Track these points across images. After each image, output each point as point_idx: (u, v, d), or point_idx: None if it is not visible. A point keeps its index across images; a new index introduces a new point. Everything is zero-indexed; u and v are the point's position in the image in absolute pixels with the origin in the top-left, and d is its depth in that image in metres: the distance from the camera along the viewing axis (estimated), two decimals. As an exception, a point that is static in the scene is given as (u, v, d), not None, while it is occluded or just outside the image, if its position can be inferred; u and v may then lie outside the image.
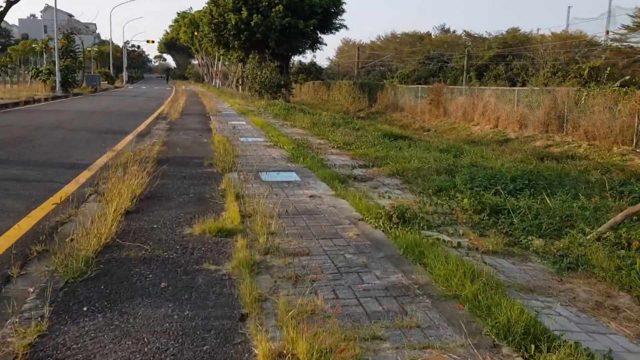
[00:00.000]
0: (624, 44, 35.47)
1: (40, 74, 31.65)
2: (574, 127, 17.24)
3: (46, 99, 27.08)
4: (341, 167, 8.76)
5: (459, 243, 4.59)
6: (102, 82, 50.70)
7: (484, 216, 5.57)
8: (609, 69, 30.97)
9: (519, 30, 46.82)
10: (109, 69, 66.23)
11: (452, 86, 28.46)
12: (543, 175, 7.51)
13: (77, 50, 38.96)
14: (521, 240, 4.86)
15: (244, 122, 16.98)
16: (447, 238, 4.73)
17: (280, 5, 31.85)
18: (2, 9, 19.63)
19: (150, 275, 3.78)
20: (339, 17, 35.51)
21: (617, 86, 19.82)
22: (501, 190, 6.32)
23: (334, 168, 8.56)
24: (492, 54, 43.81)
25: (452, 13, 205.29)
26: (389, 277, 3.78)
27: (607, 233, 4.85)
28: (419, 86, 31.45)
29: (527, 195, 6.34)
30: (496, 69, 42.05)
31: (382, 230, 4.86)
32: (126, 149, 10.86)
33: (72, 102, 26.91)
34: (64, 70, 32.21)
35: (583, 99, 17.19)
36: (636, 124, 14.87)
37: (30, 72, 34.03)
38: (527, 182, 6.88)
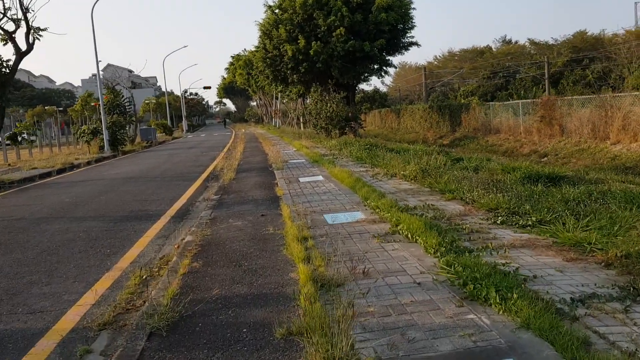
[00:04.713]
0: None
1: (83, 135, 28.37)
2: None
3: (88, 162, 23.65)
4: (566, 297, 3.74)
5: None
6: (159, 134, 48.09)
7: None
8: None
9: (587, 32, 41.66)
10: (167, 119, 64.26)
11: (570, 97, 22.78)
12: None
13: (126, 104, 35.94)
14: None
15: (322, 178, 12.22)
16: None
17: (341, 28, 27.44)
18: (12, 62, 16.45)
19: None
20: (408, 34, 30.69)
21: None
22: None
23: (562, 308, 3.56)
24: (565, 60, 38.67)
25: (510, 23, 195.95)
26: None
27: None
28: (519, 101, 25.97)
29: None
30: (572, 74, 37.24)
31: None
32: (138, 262, 6.35)
33: (116, 163, 23.28)
34: (111, 127, 28.97)
35: None
36: None
37: (75, 134, 31.04)
38: None
